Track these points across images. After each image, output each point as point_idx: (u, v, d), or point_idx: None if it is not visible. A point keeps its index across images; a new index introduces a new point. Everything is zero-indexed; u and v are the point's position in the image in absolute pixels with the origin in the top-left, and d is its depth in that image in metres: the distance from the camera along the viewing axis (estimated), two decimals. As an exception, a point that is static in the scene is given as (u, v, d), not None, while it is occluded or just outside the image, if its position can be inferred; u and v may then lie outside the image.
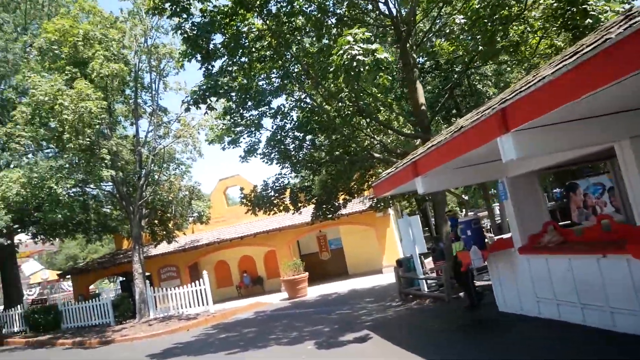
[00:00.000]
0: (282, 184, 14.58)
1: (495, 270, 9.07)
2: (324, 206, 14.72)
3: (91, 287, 32.42)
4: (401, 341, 8.46)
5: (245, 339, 11.75)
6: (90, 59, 15.68)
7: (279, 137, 14.14)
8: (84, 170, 15.64)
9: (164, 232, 19.90)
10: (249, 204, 14.51)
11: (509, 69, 17.26)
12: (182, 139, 19.30)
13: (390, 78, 10.37)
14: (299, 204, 14.80)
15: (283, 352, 9.57)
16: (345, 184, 14.45)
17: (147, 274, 20.76)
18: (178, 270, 23.40)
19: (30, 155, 18.39)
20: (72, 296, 25.40)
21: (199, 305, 17.84)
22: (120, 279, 39.92)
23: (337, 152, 14.43)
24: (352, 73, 8.28)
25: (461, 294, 10.93)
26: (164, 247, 23.72)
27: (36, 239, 22.25)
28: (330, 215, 15.31)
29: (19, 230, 23.03)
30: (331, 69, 9.37)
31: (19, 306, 20.40)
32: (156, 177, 18.32)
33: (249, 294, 23.70)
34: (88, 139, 15.24)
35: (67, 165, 15.93)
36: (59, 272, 29.74)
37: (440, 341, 8.15)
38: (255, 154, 14.51)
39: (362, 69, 8.15)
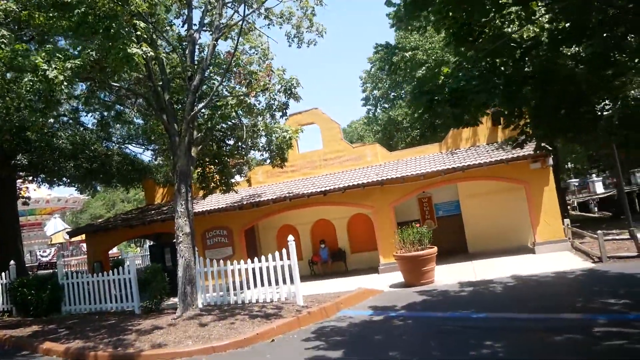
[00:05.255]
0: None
1: None
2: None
3: (114, 250, 25.37)
4: None
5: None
6: None
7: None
8: (98, 47, 8.00)
9: (221, 176, 12.29)
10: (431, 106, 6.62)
11: None
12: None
13: None
14: (514, 116, 6.95)
15: None
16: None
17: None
18: (230, 234, 15.91)
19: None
20: (86, 262, 18.25)
21: (276, 287, 10.39)
22: (149, 243, 32.83)
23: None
24: None
25: None
26: (211, 202, 16.30)
27: (30, 177, 14.85)
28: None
29: (19, 168, 15.64)
30: None
31: (3, 274, 13.15)
32: (215, 83, 10.67)
33: (326, 272, 16.23)
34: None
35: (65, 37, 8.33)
36: (68, 230, 22.51)
37: None
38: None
39: None
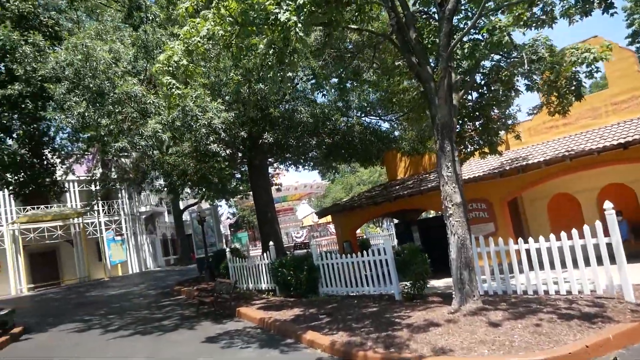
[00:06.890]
0: None
1: None
2: None
3: (357, 231, 25.17)
4: None
5: None
6: None
7: None
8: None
9: (482, 135, 9.70)
10: None
11: None
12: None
13: None
14: None
15: None
16: None
17: (431, 212, 11.14)
18: (490, 207, 13.14)
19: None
20: (335, 242, 17.92)
21: (563, 271, 7.40)
22: (387, 222, 32.18)
23: None
24: None
25: None
26: (463, 169, 13.79)
27: (277, 161, 14.72)
28: None
29: (266, 148, 15.86)
30: None
31: (265, 254, 13.31)
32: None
33: (628, 253, 12.00)
34: None
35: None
36: (317, 212, 22.94)
37: None
38: None
39: None
